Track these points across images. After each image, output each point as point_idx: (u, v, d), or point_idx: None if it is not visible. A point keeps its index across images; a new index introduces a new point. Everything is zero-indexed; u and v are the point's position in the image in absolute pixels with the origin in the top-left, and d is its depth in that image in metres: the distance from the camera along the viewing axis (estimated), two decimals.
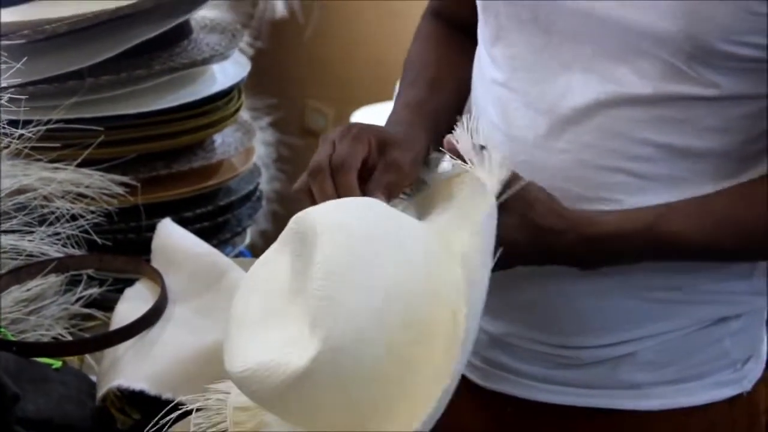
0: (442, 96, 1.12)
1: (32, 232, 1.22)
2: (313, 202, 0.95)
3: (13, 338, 1.11)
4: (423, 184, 1.03)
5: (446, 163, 1.00)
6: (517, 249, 0.93)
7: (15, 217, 1.21)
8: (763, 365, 1.11)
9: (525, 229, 0.94)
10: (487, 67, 1.08)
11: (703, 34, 0.94)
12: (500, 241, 0.87)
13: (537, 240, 0.95)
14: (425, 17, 1.22)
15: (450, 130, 1.08)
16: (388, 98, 2.07)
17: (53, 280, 1.22)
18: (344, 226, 0.86)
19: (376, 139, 0.99)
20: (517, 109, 1.04)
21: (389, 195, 0.97)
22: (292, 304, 0.86)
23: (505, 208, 0.91)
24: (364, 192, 0.96)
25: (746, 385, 1.09)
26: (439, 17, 1.21)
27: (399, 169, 0.99)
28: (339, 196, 0.94)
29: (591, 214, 0.98)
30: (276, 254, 0.91)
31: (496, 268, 0.87)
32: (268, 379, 0.82)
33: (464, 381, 1.12)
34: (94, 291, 1.24)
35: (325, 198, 0.94)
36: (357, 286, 0.83)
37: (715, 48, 0.94)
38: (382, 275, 0.84)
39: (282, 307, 0.87)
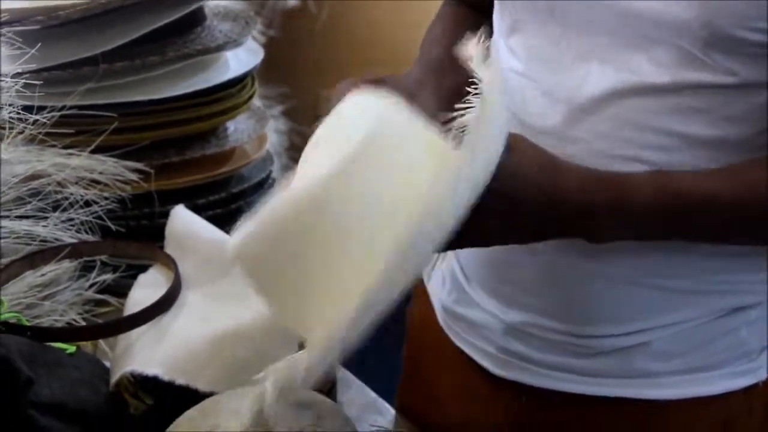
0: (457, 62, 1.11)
1: (46, 217, 1.22)
2: None
3: (27, 323, 1.11)
4: None
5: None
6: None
7: (29, 202, 1.21)
8: None
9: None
10: (504, 56, 1.08)
11: (719, 20, 0.93)
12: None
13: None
14: (445, 2, 1.21)
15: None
16: None
17: (67, 265, 1.22)
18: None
19: (401, 90, 0.96)
20: (534, 98, 1.04)
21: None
22: None
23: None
24: None
25: (762, 375, 1.08)
26: (460, 1, 1.20)
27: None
28: None
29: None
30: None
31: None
32: None
33: (479, 369, 1.12)
34: (108, 277, 1.24)
35: None
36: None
37: (731, 34, 0.94)
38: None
39: None
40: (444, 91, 1.03)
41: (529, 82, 1.04)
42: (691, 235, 0.97)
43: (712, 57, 0.95)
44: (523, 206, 0.90)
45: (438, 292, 1.18)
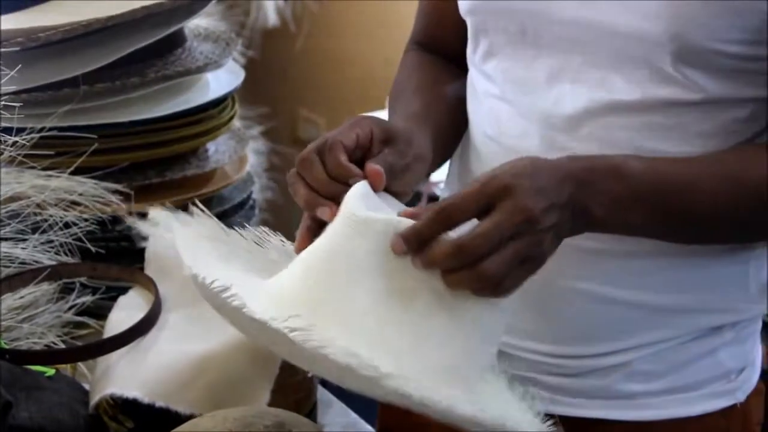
0: (438, 114, 1.10)
1: (25, 239, 1.22)
2: (305, 186, 0.92)
3: (6, 346, 1.10)
4: None
5: None
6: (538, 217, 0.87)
7: (8, 224, 1.20)
8: (757, 376, 1.11)
9: (525, 194, 0.87)
10: (480, 82, 1.08)
11: (687, 32, 0.94)
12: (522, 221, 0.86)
13: (536, 188, 0.88)
14: (408, 50, 1.22)
15: (447, 147, 1.09)
16: (380, 107, 2.08)
17: (46, 287, 1.21)
18: None
19: (380, 128, 0.96)
20: (510, 120, 1.05)
21: (389, 174, 0.93)
22: None
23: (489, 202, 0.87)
24: (363, 167, 0.92)
25: (740, 396, 1.09)
26: (423, 48, 1.20)
27: (403, 156, 0.96)
28: (330, 176, 0.91)
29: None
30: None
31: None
32: None
33: None
34: (88, 299, 1.24)
35: (315, 181, 0.91)
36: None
37: (699, 47, 0.95)
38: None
39: None
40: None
41: (506, 104, 1.05)
42: (681, 215, 0.97)
43: (682, 72, 0.96)
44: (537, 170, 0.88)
45: None
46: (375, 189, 0.92)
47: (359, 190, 0.90)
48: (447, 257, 0.85)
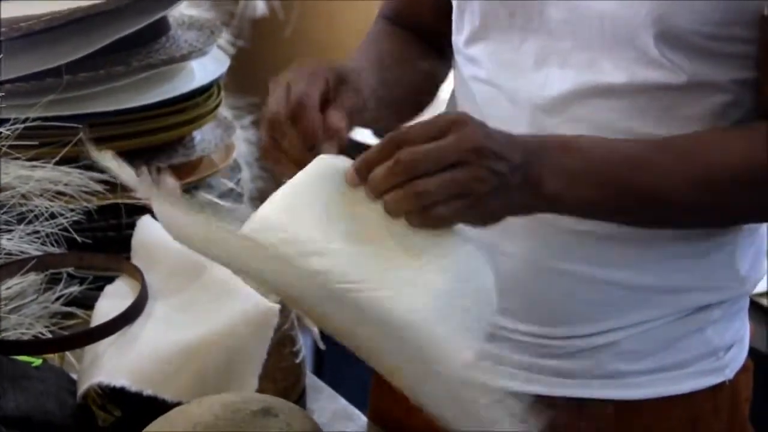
0: (389, 81, 1.09)
1: (11, 230, 1.21)
2: (280, 159, 0.92)
3: None
4: None
5: None
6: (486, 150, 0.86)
7: None
8: (745, 353, 1.12)
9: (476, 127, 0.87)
10: (465, 66, 1.08)
11: (670, 14, 0.95)
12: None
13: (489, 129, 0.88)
14: (376, 20, 1.21)
15: (394, 109, 1.09)
16: None
17: (33, 278, 1.21)
18: None
19: (334, 73, 0.95)
20: (498, 103, 1.05)
21: (351, 120, 0.93)
22: None
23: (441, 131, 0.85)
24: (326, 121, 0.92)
25: (728, 374, 1.09)
26: (391, 21, 1.20)
27: (359, 94, 0.96)
28: (305, 143, 0.91)
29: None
30: None
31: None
32: None
33: None
34: (75, 289, 1.23)
35: (295, 151, 0.91)
36: None
37: (683, 28, 0.95)
38: None
39: None
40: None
41: (493, 88, 1.05)
42: (635, 192, 0.94)
43: (666, 55, 0.96)
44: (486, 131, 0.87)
45: None
46: (342, 138, 0.91)
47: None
48: (386, 175, 0.83)
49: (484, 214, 0.87)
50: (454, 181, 0.83)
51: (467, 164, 0.84)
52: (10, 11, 1.30)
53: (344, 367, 1.58)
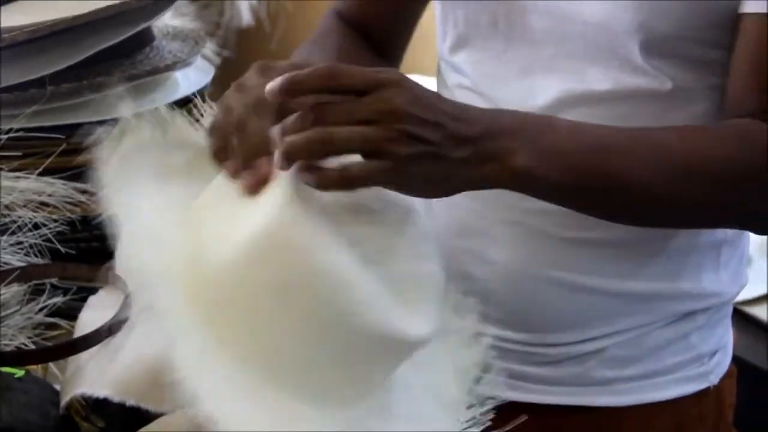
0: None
1: None
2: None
3: None
4: None
5: None
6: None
7: None
8: (729, 359, 1.12)
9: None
10: (449, 74, 1.08)
11: (653, 21, 0.95)
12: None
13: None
14: (327, 15, 1.20)
15: None
16: None
17: (16, 289, 1.20)
18: None
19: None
20: None
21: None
22: None
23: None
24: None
25: (713, 380, 1.10)
26: (342, 18, 1.19)
27: None
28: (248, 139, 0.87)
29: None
30: None
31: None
32: None
33: None
34: (58, 300, 1.22)
35: (248, 143, 0.86)
36: None
37: (666, 35, 0.95)
38: None
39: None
40: None
41: (478, 96, 1.05)
42: (606, 177, 0.90)
43: (650, 62, 0.97)
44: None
45: None
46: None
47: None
48: (302, 114, 0.79)
49: (411, 181, 0.83)
50: (363, 135, 0.79)
51: (380, 123, 0.79)
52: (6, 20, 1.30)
53: None
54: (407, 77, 0.83)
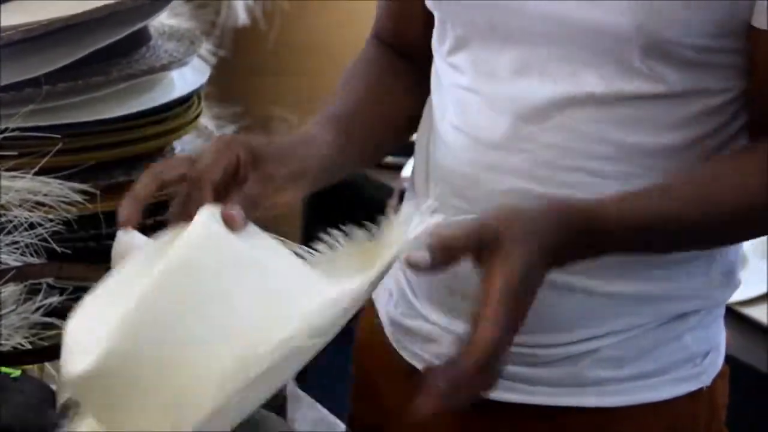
0: (363, 121, 1.10)
1: None
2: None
3: None
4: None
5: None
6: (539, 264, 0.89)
7: None
8: (721, 359, 1.12)
9: (530, 243, 0.88)
10: (446, 73, 1.08)
11: (653, 24, 0.95)
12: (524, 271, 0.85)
13: (543, 242, 0.89)
14: (368, 41, 1.21)
15: (362, 157, 1.10)
16: None
17: (12, 289, 1.20)
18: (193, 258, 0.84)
19: (248, 151, 0.94)
20: (479, 111, 1.05)
21: (251, 206, 0.91)
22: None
23: (496, 246, 0.86)
24: (225, 203, 0.90)
25: (706, 380, 1.10)
26: (382, 41, 1.20)
27: (269, 183, 0.95)
28: (192, 212, 0.90)
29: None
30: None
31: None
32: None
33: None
34: (54, 300, 1.23)
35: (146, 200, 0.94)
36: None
37: (666, 39, 0.95)
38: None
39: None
40: (318, 157, 1.01)
41: (474, 95, 1.05)
42: (661, 247, 1.00)
43: (649, 65, 0.97)
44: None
45: (385, 305, 1.18)
46: (234, 230, 0.89)
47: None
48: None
49: None
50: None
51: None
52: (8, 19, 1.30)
53: (324, 375, 1.58)
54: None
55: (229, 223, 0.88)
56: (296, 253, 0.92)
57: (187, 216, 0.90)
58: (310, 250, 0.94)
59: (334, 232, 0.93)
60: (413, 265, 0.85)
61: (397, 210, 0.92)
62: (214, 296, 0.83)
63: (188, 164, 0.93)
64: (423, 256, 0.84)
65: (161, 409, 0.82)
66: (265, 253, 0.89)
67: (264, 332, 0.82)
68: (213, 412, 0.80)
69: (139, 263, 0.91)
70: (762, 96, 0.99)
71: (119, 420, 0.84)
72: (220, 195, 0.91)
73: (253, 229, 0.91)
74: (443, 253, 0.85)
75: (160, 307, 0.82)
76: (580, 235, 0.91)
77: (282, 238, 0.94)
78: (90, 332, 0.85)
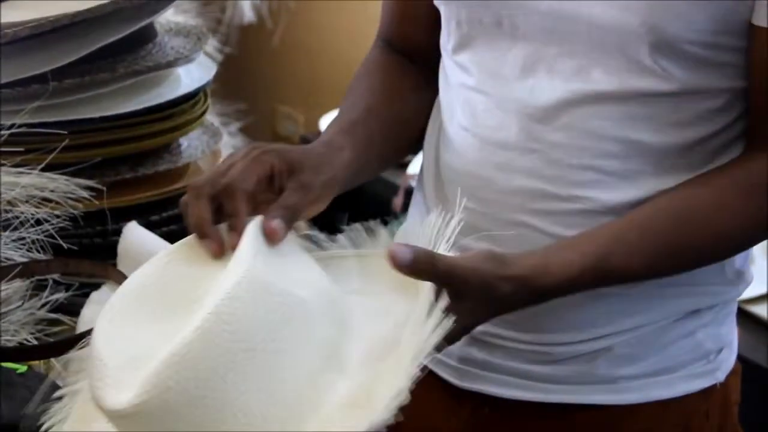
0: (378, 123, 1.10)
1: None
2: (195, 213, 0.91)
3: None
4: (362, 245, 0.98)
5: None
6: (472, 324, 0.92)
7: None
8: (734, 356, 1.12)
9: (481, 307, 0.91)
10: (454, 74, 1.08)
11: (663, 23, 0.95)
12: (457, 323, 0.85)
13: (491, 308, 0.93)
14: (375, 44, 1.20)
15: (382, 159, 1.09)
16: None
17: (18, 285, 1.20)
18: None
19: (283, 160, 0.94)
20: (486, 111, 1.04)
21: (291, 217, 0.92)
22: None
23: (457, 295, 0.87)
24: (264, 214, 0.91)
25: (719, 377, 1.09)
26: (389, 44, 1.19)
27: (307, 191, 0.94)
28: (222, 220, 0.90)
29: (537, 261, 0.95)
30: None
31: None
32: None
33: (439, 381, 1.12)
34: (60, 296, 1.23)
35: (196, 220, 0.90)
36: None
37: (676, 37, 0.95)
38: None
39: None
40: (340, 168, 1.01)
41: (482, 95, 1.05)
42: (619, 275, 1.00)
43: (659, 63, 0.96)
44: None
45: None
46: (273, 244, 0.89)
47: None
48: None
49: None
50: None
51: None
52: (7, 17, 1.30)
53: None
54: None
55: (271, 237, 0.89)
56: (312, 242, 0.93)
57: (193, 216, 0.90)
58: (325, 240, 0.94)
59: (350, 228, 0.93)
60: (392, 257, 0.86)
61: (400, 207, 0.92)
62: (258, 352, 0.82)
63: (222, 175, 0.92)
64: (406, 253, 0.86)
65: None
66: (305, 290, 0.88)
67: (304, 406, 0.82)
68: None
69: (172, 271, 0.90)
70: (759, 93, 0.99)
71: None
72: (252, 204, 0.91)
73: (289, 237, 0.91)
74: (422, 265, 0.86)
75: (204, 357, 0.80)
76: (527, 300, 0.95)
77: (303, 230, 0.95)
78: (125, 353, 0.84)
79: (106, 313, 0.88)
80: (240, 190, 0.91)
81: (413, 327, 0.84)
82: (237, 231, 0.89)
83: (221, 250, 0.89)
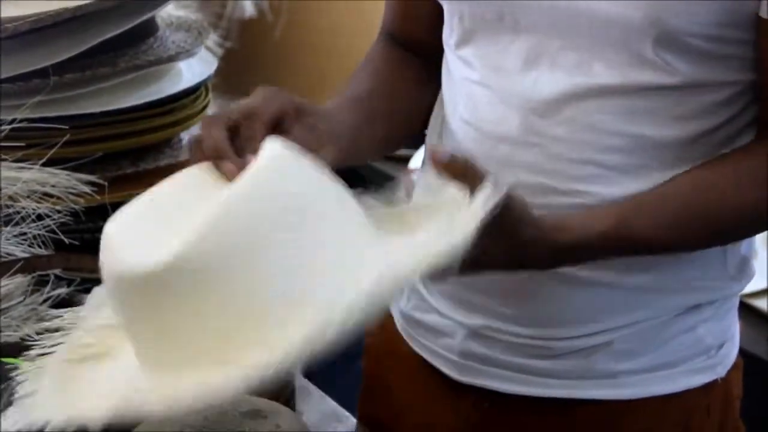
0: (380, 104, 1.10)
1: None
2: (199, 155, 0.89)
3: None
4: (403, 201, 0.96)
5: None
6: (493, 262, 0.91)
7: None
8: (736, 351, 1.12)
9: (507, 243, 0.90)
10: (457, 68, 1.08)
11: (667, 17, 0.94)
12: (479, 256, 0.83)
13: (513, 252, 0.92)
14: (378, 38, 1.20)
15: (382, 141, 1.10)
16: None
17: (20, 280, 1.20)
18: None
19: (291, 103, 0.94)
20: (488, 105, 1.04)
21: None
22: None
23: (490, 224, 0.85)
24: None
25: (720, 372, 1.09)
26: (391, 38, 1.19)
27: (313, 133, 0.94)
28: (243, 145, 0.89)
29: (557, 219, 0.95)
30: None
31: (460, 273, 0.84)
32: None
33: (440, 375, 1.12)
34: (62, 291, 1.22)
35: (213, 142, 0.88)
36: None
37: (680, 31, 0.95)
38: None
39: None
40: (346, 130, 1.01)
41: (485, 89, 1.05)
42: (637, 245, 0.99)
43: (662, 56, 0.96)
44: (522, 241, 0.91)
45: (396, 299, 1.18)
46: None
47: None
48: None
49: None
50: None
51: None
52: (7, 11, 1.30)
53: (334, 368, 1.57)
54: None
55: None
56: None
57: (209, 140, 0.88)
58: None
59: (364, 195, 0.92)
60: (434, 153, 0.86)
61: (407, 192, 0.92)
62: (301, 213, 0.81)
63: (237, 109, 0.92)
64: (446, 152, 0.87)
65: (236, 317, 0.78)
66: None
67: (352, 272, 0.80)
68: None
69: (183, 188, 0.88)
70: None
71: (182, 323, 0.79)
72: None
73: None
74: (459, 167, 0.87)
75: (251, 211, 0.78)
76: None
77: None
78: (148, 238, 0.82)
79: (111, 223, 0.87)
80: (262, 113, 0.91)
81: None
82: (256, 153, 0.86)
83: (239, 172, 0.84)
